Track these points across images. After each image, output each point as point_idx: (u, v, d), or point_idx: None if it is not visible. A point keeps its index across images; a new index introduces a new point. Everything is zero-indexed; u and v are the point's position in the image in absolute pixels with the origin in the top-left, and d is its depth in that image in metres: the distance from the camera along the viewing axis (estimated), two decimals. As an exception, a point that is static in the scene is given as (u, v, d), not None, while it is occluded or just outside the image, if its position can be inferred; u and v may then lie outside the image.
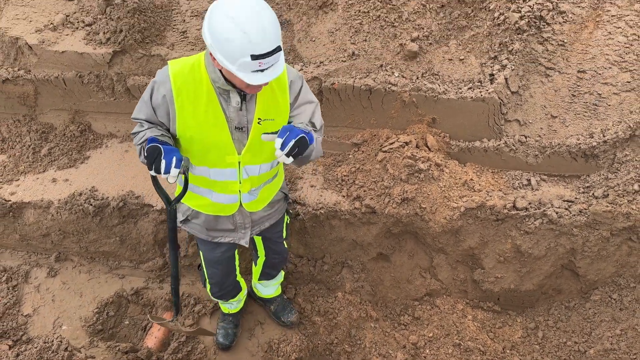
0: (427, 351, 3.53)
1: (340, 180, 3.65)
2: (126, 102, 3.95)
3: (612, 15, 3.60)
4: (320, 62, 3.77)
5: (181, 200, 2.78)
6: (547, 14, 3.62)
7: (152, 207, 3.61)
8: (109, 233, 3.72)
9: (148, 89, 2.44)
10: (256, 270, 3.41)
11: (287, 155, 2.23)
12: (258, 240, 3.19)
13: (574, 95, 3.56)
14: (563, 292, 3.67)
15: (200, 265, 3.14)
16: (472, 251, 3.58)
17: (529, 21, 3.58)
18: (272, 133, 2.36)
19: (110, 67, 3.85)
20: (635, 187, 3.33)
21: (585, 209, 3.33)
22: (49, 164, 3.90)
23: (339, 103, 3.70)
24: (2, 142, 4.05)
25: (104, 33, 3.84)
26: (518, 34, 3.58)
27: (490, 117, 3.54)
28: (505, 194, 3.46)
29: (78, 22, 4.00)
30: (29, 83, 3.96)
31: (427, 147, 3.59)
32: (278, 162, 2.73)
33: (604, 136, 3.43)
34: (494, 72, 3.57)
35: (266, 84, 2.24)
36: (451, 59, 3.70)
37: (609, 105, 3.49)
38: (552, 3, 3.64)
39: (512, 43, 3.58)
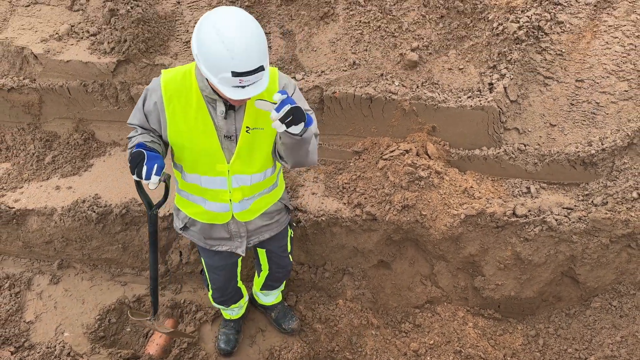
0: (428, 358, 3.54)
1: (341, 187, 3.68)
2: (130, 111, 3.95)
3: (609, 26, 3.65)
4: (322, 72, 3.81)
5: (179, 208, 2.82)
6: (545, 24, 3.67)
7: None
8: (111, 240, 3.75)
9: (142, 96, 2.51)
10: (258, 281, 3.43)
11: (282, 121, 2.17)
12: (262, 254, 3.20)
13: (572, 104, 3.60)
14: (563, 299, 3.69)
15: (202, 271, 3.17)
16: (473, 258, 3.60)
17: (527, 31, 3.63)
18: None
19: (114, 76, 3.90)
20: (634, 194, 3.36)
21: (584, 216, 3.35)
22: (53, 172, 3.94)
23: (340, 112, 3.74)
24: (7, 150, 4.09)
25: (108, 43, 3.90)
26: (517, 44, 3.63)
27: (490, 125, 3.57)
28: (505, 202, 3.49)
29: (83, 32, 4.06)
30: (33, 92, 4.01)
31: (428, 155, 3.63)
32: (272, 172, 2.73)
33: (602, 144, 3.46)
34: (493, 81, 3.62)
35: (247, 99, 2.27)
36: (451, 69, 3.75)
37: (607, 114, 3.53)
38: (550, 13, 3.69)
39: (511, 53, 3.63)
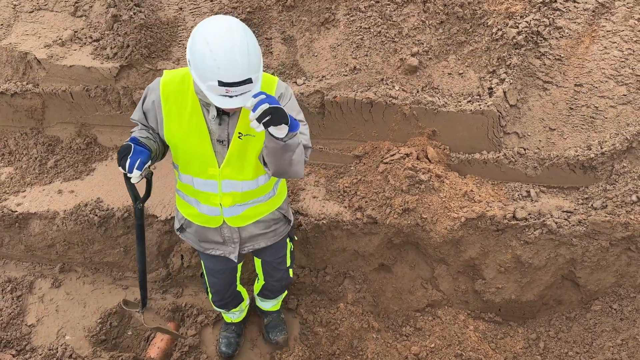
0: (429, 362, 3.54)
1: (342, 191, 3.70)
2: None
3: (607, 31, 3.69)
4: (323, 77, 3.84)
5: (177, 208, 2.84)
6: (544, 30, 3.70)
7: (157, 217, 3.65)
8: (113, 244, 3.76)
9: (143, 94, 2.56)
10: (257, 286, 3.45)
11: (259, 121, 2.12)
12: (257, 263, 3.20)
13: (571, 109, 3.63)
14: (564, 302, 3.69)
15: (202, 274, 3.17)
16: (473, 262, 3.61)
17: (526, 36, 3.67)
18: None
19: (116, 81, 3.93)
20: (633, 198, 3.38)
21: (584, 219, 3.37)
22: (55, 176, 3.96)
23: (341, 116, 3.77)
24: (10, 155, 4.11)
25: (111, 48, 3.93)
26: (516, 49, 3.66)
27: (490, 129, 3.60)
28: (505, 205, 3.51)
29: (86, 37, 4.10)
30: (36, 97, 4.04)
31: (428, 159, 3.65)
32: (266, 181, 2.71)
33: (601, 148, 3.48)
34: (492, 86, 3.65)
35: (234, 109, 2.28)
36: (450, 73, 3.78)
37: (606, 118, 3.56)
38: (548, 19, 3.73)
39: (510, 58, 3.66)
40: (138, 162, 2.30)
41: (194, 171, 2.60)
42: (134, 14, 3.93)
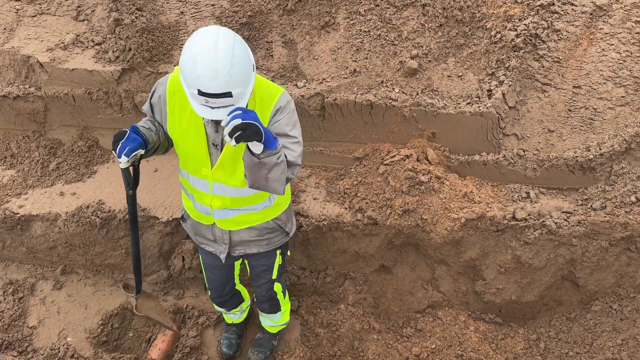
0: (430, 362, 3.55)
1: (342, 193, 3.72)
2: (134, 119, 4.04)
3: (605, 33, 3.72)
4: (323, 79, 3.87)
5: (182, 198, 2.87)
6: (543, 32, 3.74)
7: (158, 219, 3.67)
8: (114, 245, 3.78)
9: (153, 87, 2.62)
10: None
11: (231, 135, 2.13)
12: (248, 267, 3.20)
13: (570, 110, 3.66)
14: (564, 303, 3.70)
15: (202, 269, 3.20)
16: (473, 262, 3.62)
17: (524, 39, 3.70)
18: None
19: (118, 84, 3.96)
20: (632, 198, 3.39)
21: (583, 220, 3.39)
22: (57, 178, 3.98)
23: (341, 118, 3.79)
24: (12, 158, 4.13)
25: (113, 52, 3.96)
26: (514, 51, 3.69)
27: (489, 131, 3.62)
28: (505, 206, 3.52)
29: (88, 41, 4.13)
30: (39, 100, 4.06)
31: (428, 160, 3.67)
32: (257, 190, 2.69)
33: (600, 149, 3.51)
34: (491, 88, 3.67)
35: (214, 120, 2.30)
36: (450, 76, 3.81)
37: (605, 120, 3.59)
38: (546, 22, 3.76)
39: (509, 60, 3.69)
40: (127, 149, 2.36)
41: (190, 168, 2.66)
42: (136, 18, 3.97)
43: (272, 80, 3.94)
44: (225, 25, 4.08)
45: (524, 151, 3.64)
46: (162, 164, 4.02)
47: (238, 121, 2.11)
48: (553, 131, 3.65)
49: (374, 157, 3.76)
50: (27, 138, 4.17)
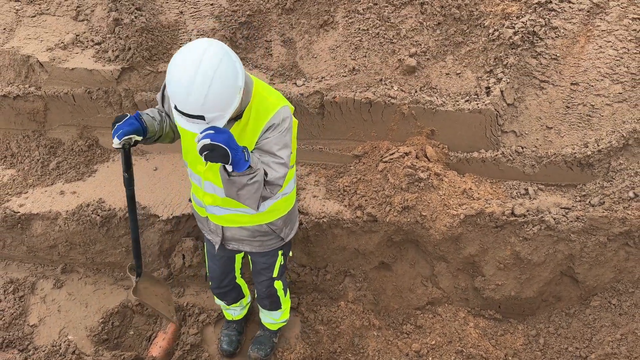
0: (430, 358, 3.56)
1: (342, 190, 3.73)
2: (133, 118, 4.05)
3: (602, 30, 3.74)
4: (322, 77, 3.89)
5: None
6: (540, 30, 3.76)
7: (158, 217, 3.68)
8: (115, 244, 3.78)
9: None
10: None
11: (200, 153, 2.17)
12: (250, 261, 3.23)
13: (568, 107, 3.67)
14: (563, 299, 3.72)
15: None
16: (473, 259, 3.64)
17: (522, 36, 3.72)
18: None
19: (118, 83, 3.97)
20: (630, 194, 3.41)
21: (582, 215, 3.40)
22: (57, 177, 3.99)
23: (340, 116, 3.81)
24: (12, 157, 4.14)
25: (112, 51, 3.98)
26: (512, 49, 3.72)
27: (487, 128, 3.64)
28: (503, 202, 3.54)
29: (88, 41, 4.14)
30: (39, 99, 4.07)
31: (427, 158, 3.69)
32: None
33: (598, 146, 3.53)
34: (489, 85, 3.69)
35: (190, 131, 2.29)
36: (448, 73, 3.83)
37: (602, 116, 3.61)
38: (544, 19, 3.78)
39: (507, 57, 3.71)
40: (120, 132, 2.40)
41: (189, 161, 2.72)
42: (135, 17, 3.98)
43: (272, 79, 3.96)
44: (224, 25, 4.10)
45: (522, 148, 3.66)
46: (162, 163, 4.03)
47: (207, 141, 2.13)
48: (551, 128, 3.67)
49: (373, 154, 3.78)
50: (27, 137, 4.18)
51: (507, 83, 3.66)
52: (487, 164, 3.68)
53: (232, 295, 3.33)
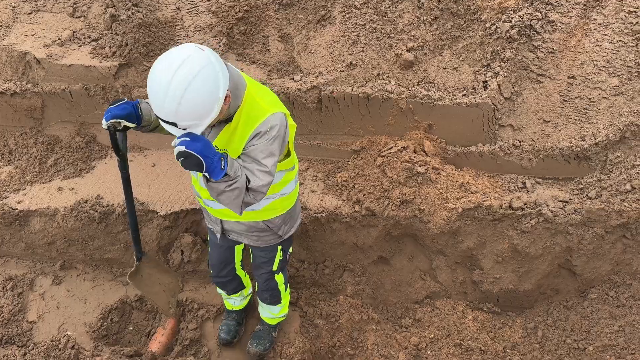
0: (429, 352, 3.57)
1: (340, 185, 3.74)
2: (131, 114, 4.05)
3: (598, 24, 3.75)
4: (320, 73, 3.89)
5: None
6: (537, 23, 3.77)
7: (157, 213, 3.68)
8: (113, 240, 3.78)
9: None
10: None
11: (176, 158, 2.18)
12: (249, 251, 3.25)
13: (565, 100, 3.69)
14: (561, 292, 3.74)
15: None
16: (471, 252, 3.65)
17: (519, 30, 3.73)
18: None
19: (115, 79, 3.96)
20: (628, 187, 3.43)
21: (579, 208, 3.41)
22: (55, 174, 3.98)
23: (338, 111, 3.81)
24: (9, 154, 4.13)
25: (109, 47, 3.97)
26: (509, 43, 3.72)
27: (485, 122, 3.65)
28: (501, 196, 3.55)
29: (84, 37, 4.14)
30: (36, 96, 4.06)
31: (424, 152, 3.69)
32: None
33: (595, 139, 3.54)
34: (487, 79, 3.70)
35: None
36: (445, 68, 3.84)
37: (599, 109, 3.62)
38: (541, 13, 3.79)
39: (504, 51, 3.72)
40: (109, 113, 2.41)
41: None
42: (132, 13, 3.98)
43: (269, 75, 3.96)
44: (221, 20, 4.10)
45: (519, 142, 3.67)
46: (159, 159, 4.03)
47: (181, 148, 2.14)
48: (548, 121, 3.68)
49: (371, 149, 3.78)
50: (25, 134, 4.18)
51: (505, 77, 3.66)
52: (484, 157, 3.69)
53: (232, 285, 3.34)
